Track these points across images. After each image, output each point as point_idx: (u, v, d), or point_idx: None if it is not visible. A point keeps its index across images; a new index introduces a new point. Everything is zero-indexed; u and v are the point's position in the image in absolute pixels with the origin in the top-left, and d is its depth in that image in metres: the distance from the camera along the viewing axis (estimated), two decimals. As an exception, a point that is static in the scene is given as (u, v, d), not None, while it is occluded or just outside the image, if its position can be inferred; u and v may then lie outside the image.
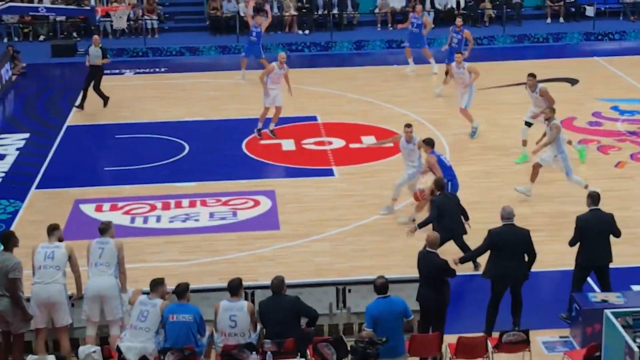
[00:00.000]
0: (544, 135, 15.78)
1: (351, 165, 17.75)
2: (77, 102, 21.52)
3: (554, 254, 13.08)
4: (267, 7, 26.27)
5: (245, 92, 22.72)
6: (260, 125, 19.17)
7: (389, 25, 29.62)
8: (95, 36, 22.31)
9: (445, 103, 21.47)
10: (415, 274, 11.11)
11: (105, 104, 21.55)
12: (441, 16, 29.77)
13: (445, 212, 12.92)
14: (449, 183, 14.05)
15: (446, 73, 21.89)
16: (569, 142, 17.08)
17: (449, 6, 29.84)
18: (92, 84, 21.46)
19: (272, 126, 19.23)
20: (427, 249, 11.05)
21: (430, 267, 10.89)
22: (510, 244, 11.27)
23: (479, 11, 29.83)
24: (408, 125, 15.07)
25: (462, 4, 30.02)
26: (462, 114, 19.04)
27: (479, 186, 16.41)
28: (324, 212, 15.48)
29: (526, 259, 11.36)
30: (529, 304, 11.61)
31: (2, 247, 10.89)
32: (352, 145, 18.72)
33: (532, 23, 29.87)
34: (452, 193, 13.50)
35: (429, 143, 14.52)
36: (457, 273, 11.16)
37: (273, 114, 19.19)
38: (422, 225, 13.05)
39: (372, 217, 15.06)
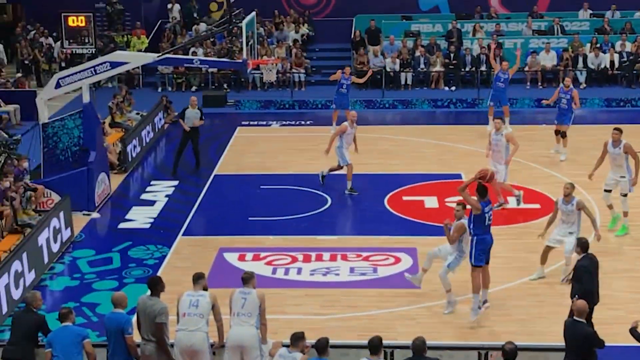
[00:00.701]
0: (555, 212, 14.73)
1: (496, 225, 17.30)
2: (172, 171, 21.22)
3: None
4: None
5: (389, 147, 22.71)
6: (349, 184, 19.26)
7: (539, 83, 29.17)
8: (193, 97, 21.77)
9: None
10: (561, 341, 10.69)
11: (197, 167, 21.46)
12: (594, 76, 29.13)
13: (593, 277, 12.27)
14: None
15: (556, 132, 21.49)
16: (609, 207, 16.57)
17: (602, 66, 29.13)
18: (184, 147, 21.24)
19: (326, 171, 19.73)
20: (575, 317, 10.63)
21: (578, 337, 10.46)
22: None
23: (634, 72, 28.96)
24: (459, 204, 13.95)
25: (617, 64, 29.21)
26: (501, 188, 17.89)
27: (629, 254, 15.75)
28: (466, 272, 15.08)
29: None
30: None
31: (149, 292, 11.13)
32: (496, 207, 18.32)
33: (691, 85, 28.83)
34: (593, 254, 12.65)
35: (481, 193, 13.58)
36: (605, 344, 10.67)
37: (335, 168, 19.47)
38: (580, 294, 12.16)
39: (518, 280, 14.65)
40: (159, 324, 10.77)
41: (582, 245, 12.48)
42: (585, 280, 12.14)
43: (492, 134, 17.99)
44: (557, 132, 21.77)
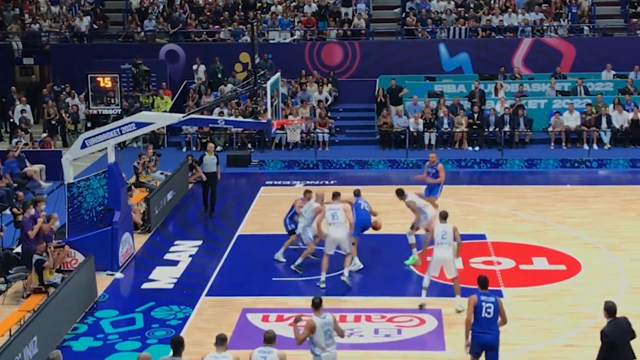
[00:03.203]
0: None
1: (521, 287, 17.22)
2: (207, 211, 22.69)
3: None
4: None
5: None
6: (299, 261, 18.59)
7: (563, 144, 29.13)
8: (210, 144, 23.51)
9: (622, 227, 20.70)
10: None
11: (211, 213, 22.56)
12: (619, 136, 29.08)
13: (617, 343, 11.68)
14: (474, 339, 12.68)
15: None
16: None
17: (625, 125, 29.05)
18: (207, 192, 22.67)
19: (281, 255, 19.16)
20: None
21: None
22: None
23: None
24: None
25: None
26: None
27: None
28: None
29: None
30: None
31: (172, 353, 11.07)
32: (522, 267, 18.21)
33: None
34: (623, 318, 12.02)
35: (480, 283, 13.03)
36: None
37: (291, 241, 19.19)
38: None
39: (543, 342, 14.45)
40: None
41: (607, 309, 11.92)
42: (603, 348, 11.69)
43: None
44: None
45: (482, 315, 12.60)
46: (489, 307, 12.61)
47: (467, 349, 12.76)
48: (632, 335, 12.04)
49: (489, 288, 12.99)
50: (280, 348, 11.50)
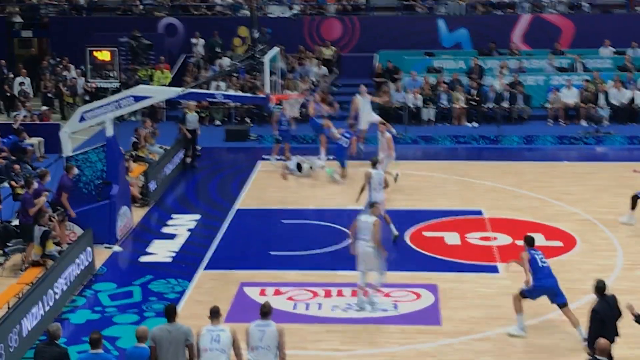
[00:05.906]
0: None
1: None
2: (189, 160, 24.75)
3: None
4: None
5: (410, 183, 22.68)
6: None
7: (561, 120, 29.12)
8: (191, 102, 24.95)
9: (619, 204, 20.75)
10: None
11: (194, 164, 24.65)
12: (617, 113, 29.02)
13: (607, 321, 11.93)
14: (536, 284, 13.81)
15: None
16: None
17: (625, 102, 29.02)
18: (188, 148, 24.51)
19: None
20: (597, 356, 10.56)
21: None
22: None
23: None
24: None
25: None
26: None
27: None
28: (487, 309, 15.11)
29: None
30: None
31: (166, 321, 11.15)
32: (518, 242, 18.23)
33: None
34: (612, 295, 12.29)
35: (528, 241, 14.21)
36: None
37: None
38: (589, 340, 12.07)
39: (539, 317, 14.53)
40: (191, 345, 10.93)
41: (597, 288, 12.24)
42: (594, 326, 11.93)
43: None
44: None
45: (540, 265, 13.86)
46: (542, 257, 14.02)
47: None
48: (619, 315, 12.19)
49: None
50: (280, 322, 11.56)
